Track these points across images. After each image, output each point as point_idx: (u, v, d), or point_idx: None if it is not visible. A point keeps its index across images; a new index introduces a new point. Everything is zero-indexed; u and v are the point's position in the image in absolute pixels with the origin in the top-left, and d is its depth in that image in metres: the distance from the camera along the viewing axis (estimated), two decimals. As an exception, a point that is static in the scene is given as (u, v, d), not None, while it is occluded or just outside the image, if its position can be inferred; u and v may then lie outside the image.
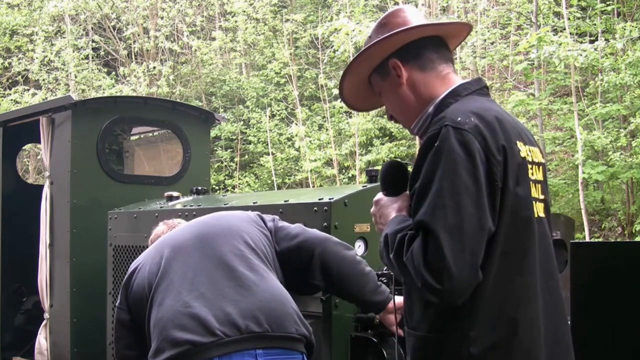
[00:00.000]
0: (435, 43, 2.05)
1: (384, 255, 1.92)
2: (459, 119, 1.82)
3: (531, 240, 1.86)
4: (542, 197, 1.95)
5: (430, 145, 1.81)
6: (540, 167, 2.00)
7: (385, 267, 3.36)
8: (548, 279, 1.90)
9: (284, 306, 2.44)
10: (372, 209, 2.07)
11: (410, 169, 1.97)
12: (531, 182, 1.91)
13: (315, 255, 2.69)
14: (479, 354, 1.77)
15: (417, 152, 2.04)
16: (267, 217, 2.87)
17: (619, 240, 11.20)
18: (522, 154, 1.89)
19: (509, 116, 1.97)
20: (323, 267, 2.71)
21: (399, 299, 2.92)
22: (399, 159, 2.24)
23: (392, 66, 2.02)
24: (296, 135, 16.19)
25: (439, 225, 1.71)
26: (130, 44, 18.39)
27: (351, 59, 2.13)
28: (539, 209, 1.92)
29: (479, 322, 1.78)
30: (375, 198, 2.07)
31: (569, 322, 2.06)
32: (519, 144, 1.90)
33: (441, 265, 1.68)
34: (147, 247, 2.89)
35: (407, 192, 2.01)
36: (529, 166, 1.92)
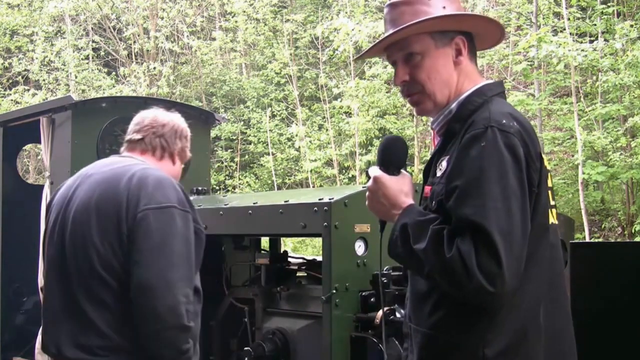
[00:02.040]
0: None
1: (398, 244, 1.87)
2: (504, 121, 1.81)
3: (544, 248, 1.87)
4: (553, 203, 1.98)
5: (475, 144, 1.79)
6: (549, 174, 2.02)
7: (387, 267, 3.35)
8: (552, 288, 1.91)
9: (107, 339, 2.41)
10: (370, 184, 2.00)
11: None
12: (548, 190, 1.94)
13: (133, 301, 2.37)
14: (492, 357, 1.78)
15: (434, 146, 2.02)
16: (133, 210, 2.35)
17: (619, 240, 11.20)
18: (545, 163, 1.91)
19: None
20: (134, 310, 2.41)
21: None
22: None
23: (457, 42, 1.97)
24: (296, 135, 16.19)
25: (493, 228, 1.69)
26: (131, 44, 18.40)
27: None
28: (553, 215, 1.95)
29: (496, 325, 1.78)
30: (375, 174, 2.00)
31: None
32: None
33: (497, 268, 1.68)
34: None
35: (407, 172, 2.01)
36: (548, 174, 1.95)
